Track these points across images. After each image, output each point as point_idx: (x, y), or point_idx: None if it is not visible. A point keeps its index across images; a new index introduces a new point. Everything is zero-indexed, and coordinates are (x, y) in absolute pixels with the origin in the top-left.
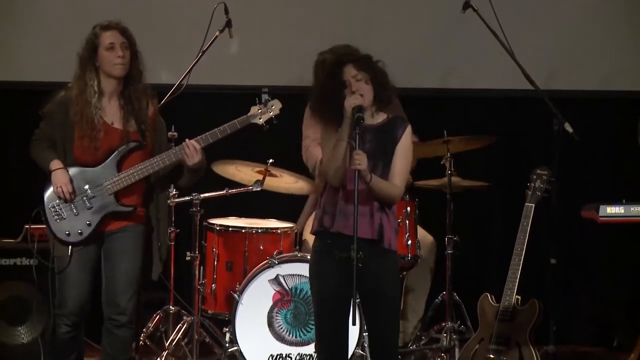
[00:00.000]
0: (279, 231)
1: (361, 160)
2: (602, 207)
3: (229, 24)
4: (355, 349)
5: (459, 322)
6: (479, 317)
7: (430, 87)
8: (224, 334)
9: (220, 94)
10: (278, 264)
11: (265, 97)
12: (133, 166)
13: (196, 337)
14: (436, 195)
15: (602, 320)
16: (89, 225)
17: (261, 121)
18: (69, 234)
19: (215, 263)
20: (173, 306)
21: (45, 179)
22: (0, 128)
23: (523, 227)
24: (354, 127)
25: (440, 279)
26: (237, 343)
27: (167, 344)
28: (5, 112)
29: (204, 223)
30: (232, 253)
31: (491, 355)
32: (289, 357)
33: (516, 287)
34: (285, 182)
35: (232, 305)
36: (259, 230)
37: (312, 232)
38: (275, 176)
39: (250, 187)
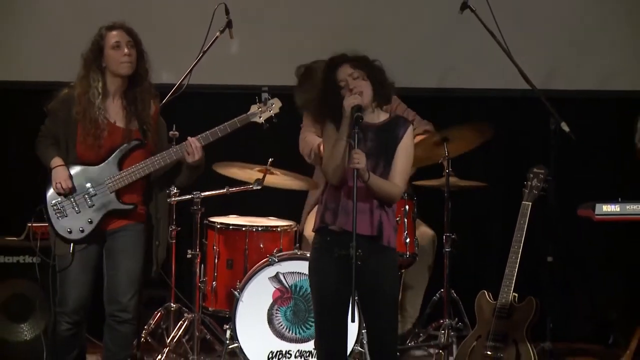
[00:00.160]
0: (278, 229)
1: (360, 160)
2: (598, 206)
3: (229, 24)
4: (354, 345)
5: (456, 319)
6: (476, 314)
7: (429, 87)
8: (225, 331)
9: (220, 93)
10: (278, 261)
11: (265, 95)
12: (134, 164)
13: (197, 334)
14: (435, 194)
15: (599, 318)
16: (91, 222)
17: (261, 120)
18: (70, 232)
19: (216, 261)
20: (174, 303)
21: (47, 177)
22: (0, 128)
23: (520, 225)
24: (353, 126)
25: (438, 276)
26: (238, 340)
27: (168, 341)
28: (6, 112)
29: (205, 221)
30: (233, 251)
31: (488, 352)
32: (288, 353)
33: (513, 285)
34: (285, 179)
35: (232, 302)
36: (259, 229)
37: (314, 229)
38: (276, 174)
39: (251, 186)
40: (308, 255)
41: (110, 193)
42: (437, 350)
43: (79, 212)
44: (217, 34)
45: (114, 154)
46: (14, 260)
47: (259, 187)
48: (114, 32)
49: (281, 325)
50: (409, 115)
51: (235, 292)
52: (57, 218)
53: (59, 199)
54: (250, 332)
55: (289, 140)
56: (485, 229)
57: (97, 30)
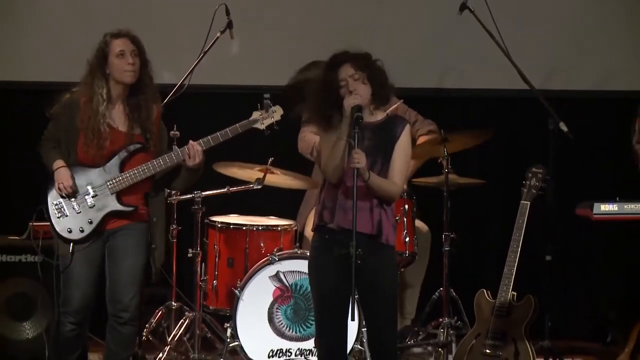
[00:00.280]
0: (279, 228)
1: (360, 159)
2: (596, 205)
3: (230, 25)
4: (354, 344)
5: (455, 317)
6: (475, 312)
7: (428, 87)
8: (225, 330)
9: (221, 93)
10: (278, 260)
11: (267, 102)
12: (135, 167)
13: (198, 332)
14: (434, 193)
15: (597, 316)
16: (91, 223)
17: (263, 126)
18: (70, 231)
19: (217, 260)
20: (175, 302)
21: (48, 178)
22: (0, 128)
23: (519, 224)
24: (353, 126)
25: (438, 275)
26: (238, 338)
27: (169, 339)
28: (6, 112)
29: (206, 220)
30: (233, 250)
31: (487, 350)
32: (289, 352)
33: (512, 284)
34: (285, 178)
35: (233, 301)
36: (260, 228)
37: (313, 228)
38: (276, 174)
39: (251, 185)
40: (308, 254)
41: (111, 195)
42: (436, 349)
43: (80, 212)
44: (218, 34)
45: (115, 157)
46: (16, 259)
47: (259, 187)
48: (119, 41)
49: (281, 323)
50: (410, 116)
51: (236, 291)
52: (58, 218)
53: (60, 199)
54: (250, 331)
55: (289, 140)
56: (484, 228)
57: (97, 30)
